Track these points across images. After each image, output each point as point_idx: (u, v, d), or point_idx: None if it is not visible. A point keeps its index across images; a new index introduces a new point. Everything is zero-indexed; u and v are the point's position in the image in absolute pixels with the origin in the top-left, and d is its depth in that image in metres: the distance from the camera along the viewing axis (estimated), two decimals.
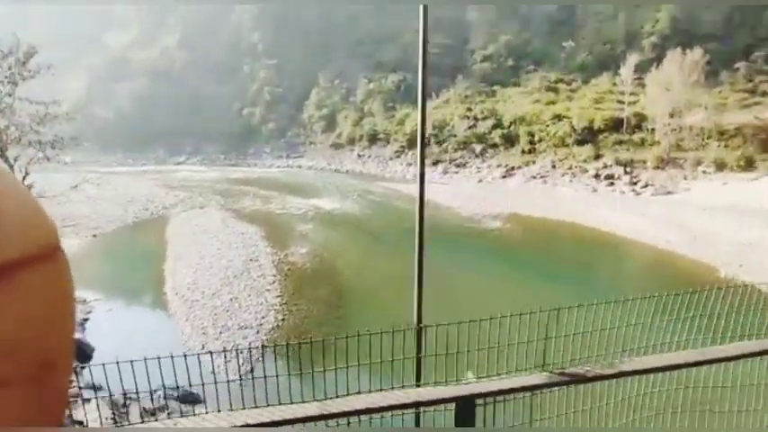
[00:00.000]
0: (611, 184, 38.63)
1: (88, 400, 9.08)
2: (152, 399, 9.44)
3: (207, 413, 3.41)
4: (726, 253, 21.95)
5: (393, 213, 33.08)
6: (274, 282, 19.85)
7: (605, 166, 40.86)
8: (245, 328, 15.59)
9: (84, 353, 14.16)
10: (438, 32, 69.12)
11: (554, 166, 43.68)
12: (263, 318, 16.36)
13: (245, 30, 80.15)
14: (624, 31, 60.06)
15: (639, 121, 43.63)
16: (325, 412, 2.57)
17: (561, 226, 28.57)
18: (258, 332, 15.40)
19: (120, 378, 3.33)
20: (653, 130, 41.71)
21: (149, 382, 3.44)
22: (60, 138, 12.10)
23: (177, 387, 10.29)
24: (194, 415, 9.21)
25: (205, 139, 70.90)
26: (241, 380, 3.82)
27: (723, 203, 30.10)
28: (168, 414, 8.99)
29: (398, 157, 56.05)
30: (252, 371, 13.47)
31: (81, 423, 8.21)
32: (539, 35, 66.95)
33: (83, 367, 13.50)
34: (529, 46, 66.06)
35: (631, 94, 45.99)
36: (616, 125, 44.98)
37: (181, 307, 17.24)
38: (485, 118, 52.35)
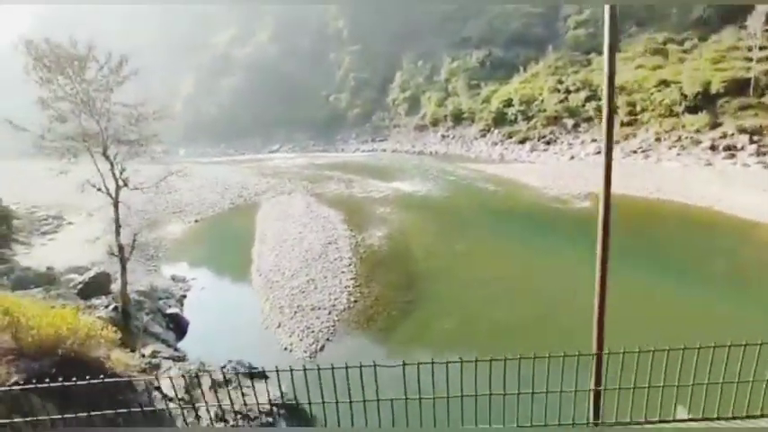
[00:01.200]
0: (732, 156, 33.64)
1: (168, 369, 10.11)
2: (223, 372, 10.22)
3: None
4: None
5: (473, 195, 32.12)
6: (350, 264, 20.34)
7: (724, 136, 35.67)
8: (319, 308, 16.21)
9: (180, 327, 15.79)
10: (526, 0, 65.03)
11: (659, 139, 39.13)
12: (336, 299, 16.88)
13: (330, 18, 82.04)
14: None
15: None
16: None
17: (664, 206, 25.61)
18: (330, 313, 15.93)
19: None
20: None
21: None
22: (146, 136, 13.27)
23: (243, 364, 11.02)
24: (249, 388, 9.53)
25: (296, 127, 74.47)
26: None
27: None
28: (233, 387, 9.70)
29: (483, 136, 54.09)
30: (322, 349, 14.06)
31: (159, 389, 9.16)
32: None
33: (177, 339, 15.01)
34: (631, 6, 59.29)
35: (762, 48, 39.32)
36: (741, 87, 38.86)
37: (263, 287, 18.43)
38: (577, 90, 48.29)
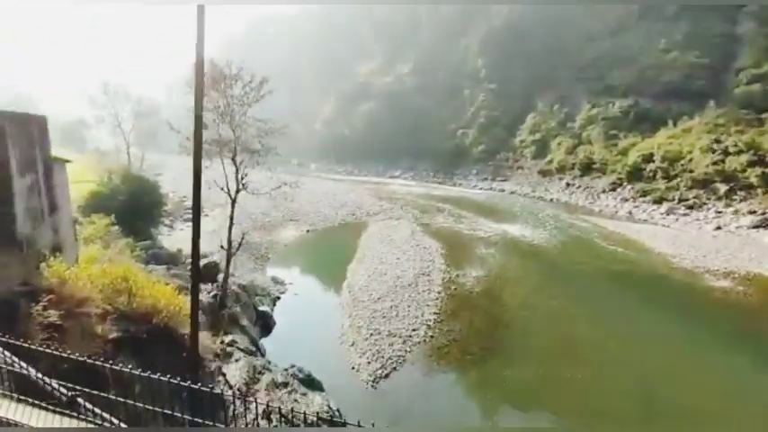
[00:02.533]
0: None
1: (238, 360, 11.03)
2: (283, 374, 10.85)
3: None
4: None
5: (586, 250, 29.64)
6: (437, 299, 20.20)
7: None
8: (394, 335, 16.33)
9: (267, 324, 17.12)
10: (691, 50, 59.32)
11: None
12: (414, 330, 16.86)
13: (471, 55, 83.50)
14: None
15: None
16: None
17: None
18: (404, 342, 15.95)
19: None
20: None
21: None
22: (267, 148, 14.92)
23: (303, 371, 11.53)
24: (302, 395, 9.97)
25: (420, 156, 76.42)
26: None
27: None
28: (287, 391, 10.22)
29: (613, 190, 49.66)
30: (387, 376, 14.10)
31: (224, 375, 10.05)
32: None
33: (261, 335, 16.20)
34: None
35: None
36: None
37: (348, 304, 19.16)
38: (739, 152, 41.96)
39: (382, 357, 14.77)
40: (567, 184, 55.22)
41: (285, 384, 10.01)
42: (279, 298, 19.97)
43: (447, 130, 77.76)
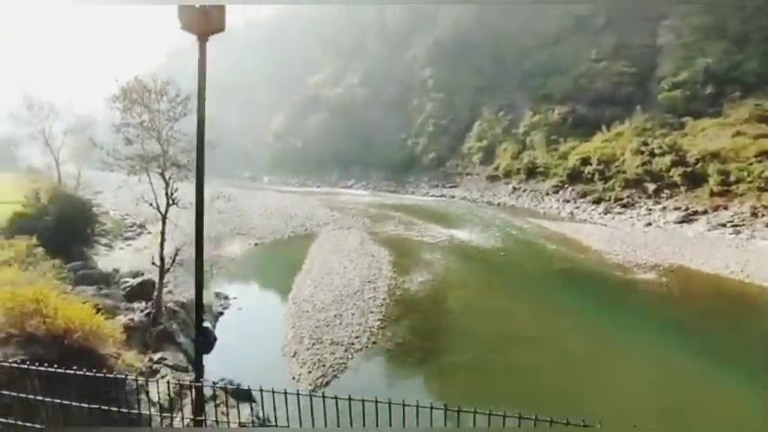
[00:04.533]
0: None
1: (164, 377, 10.81)
2: (213, 388, 10.72)
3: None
4: None
5: (529, 251, 30.92)
6: (382, 305, 20.44)
7: None
8: (337, 344, 16.42)
9: (208, 340, 16.76)
10: (619, 60, 63.45)
11: (755, 214, 35.11)
12: (356, 338, 17.01)
13: (418, 66, 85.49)
14: None
15: None
16: None
17: (742, 288, 22.78)
18: (347, 350, 16.07)
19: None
20: None
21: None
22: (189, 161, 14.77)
23: (233, 383, 11.44)
24: (233, 408, 9.91)
25: (373, 166, 77.07)
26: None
27: None
28: (216, 404, 10.13)
29: (556, 192, 52.05)
30: (327, 384, 14.15)
31: (147, 392, 9.82)
32: (756, 55, 55.54)
33: (203, 354, 15.86)
34: (738, 69, 55.17)
35: None
36: None
37: (293, 315, 19.08)
38: (663, 153, 45.16)
39: (323, 366, 14.83)
40: (514, 189, 57.33)
41: (213, 398, 9.91)
42: (222, 313, 19.60)
43: (398, 139, 78.95)
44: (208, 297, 21.01)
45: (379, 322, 18.57)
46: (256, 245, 32.05)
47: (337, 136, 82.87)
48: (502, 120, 70.05)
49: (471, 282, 24.85)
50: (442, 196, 60.74)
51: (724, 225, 35.25)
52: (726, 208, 37.63)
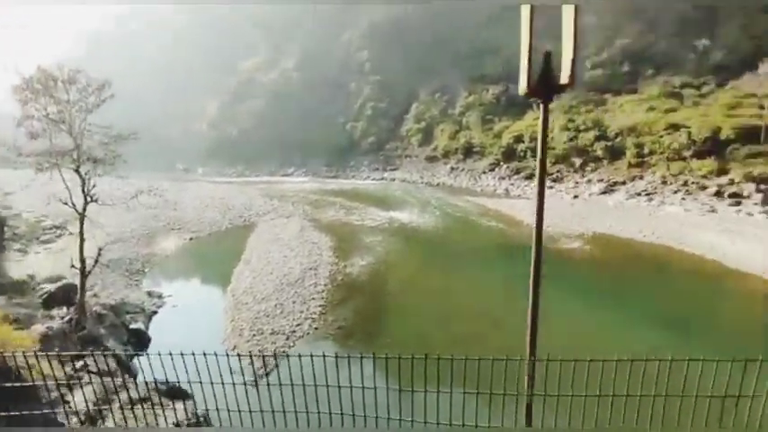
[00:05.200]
0: (737, 203, 32.71)
1: (88, 384, 10.36)
2: (138, 389, 10.45)
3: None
4: None
5: (467, 229, 32.04)
6: (323, 291, 20.51)
7: (731, 183, 34.80)
8: (278, 333, 16.35)
9: (142, 342, 16.14)
10: (547, 40, 65.81)
11: (665, 182, 38.41)
12: (298, 325, 17.01)
13: (354, 49, 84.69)
14: None
15: None
16: None
17: (652, 250, 25.00)
18: (288, 338, 16.06)
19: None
20: None
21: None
22: (113, 156, 13.96)
23: (167, 382, 11.20)
24: (170, 408, 9.79)
25: (312, 152, 76.09)
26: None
27: None
28: (150, 405, 9.87)
29: (492, 170, 54.11)
30: (268, 374, 14.12)
31: (68, 403, 9.39)
32: (665, 36, 59.91)
33: (133, 355, 15.30)
34: (651, 49, 59.38)
35: None
36: (751, 134, 38.09)
37: (231, 308, 18.72)
38: (587, 129, 48.09)
39: (264, 357, 14.74)
40: (452, 168, 58.88)
41: (144, 399, 9.63)
42: (156, 312, 18.86)
43: (336, 124, 78.30)
44: (139, 296, 20.16)
45: (320, 308, 18.64)
46: (192, 239, 30.90)
47: (274, 122, 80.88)
48: (439, 101, 71.30)
49: (411, 262, 25.45)
50: (382, 179, 61.21)
51: (639, 194, 38.29)
52: (641, 178, 40.86)
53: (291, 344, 15.72)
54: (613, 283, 20.75)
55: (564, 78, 2.87)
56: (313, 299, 19.51)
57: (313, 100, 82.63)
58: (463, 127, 64.40)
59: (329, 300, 19.59)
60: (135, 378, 12.79)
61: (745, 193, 33.18)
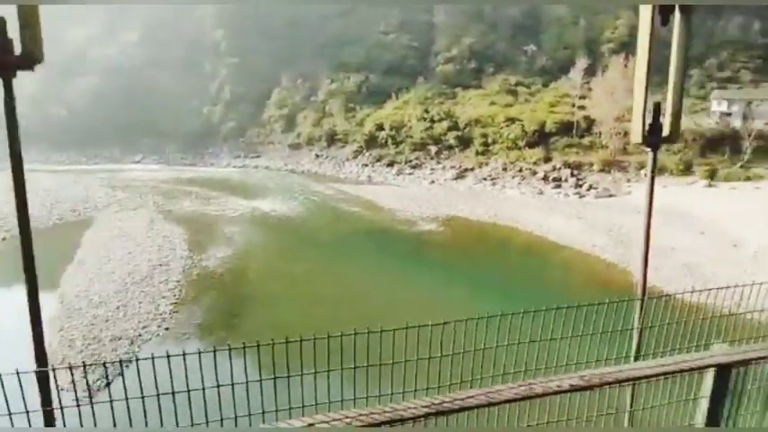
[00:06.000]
0: (558, 186, 38.59)
1: None
2: None
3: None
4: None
5: (330, 216, 32.38)
6: (175, 288, 18.93)
7: (554, 169, 40.90)
8: (120, 338, 14.65)
9: None
10: (404, 34, 69.10)
11: (505, 169, 43.56)
12: (144, 328, 15.46)
13: (207, 27, 78.38)
14: (584, 36, 61.01)
15: (589, 125, 43.86)
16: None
17: (494, 229, 28.26)
18: (132, 343, 14.50)
19: None
20: (600, 133, 41.97)
21: None
22: None
23: None
24: None
25: (164, 137, 68.83)
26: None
27: (658, 207, 30.03)
28: None
29: (355, 157, 55.28)
30: (108, 385, 12.56)
31: None
32: (503, 38, 67.21)
33: None
34: (492, 49, 66.16)
35: (581, 97, 46.39)
36: (567, 128, 45.13)
37: (60, 317, 16.18)
38: (441, 120, 51.98)
39: (103, 366, 13.09)
40: (316, 156, 58.65)
41: None
42: None
43: (191, 107, 71.99)
44: None
45: (172, 306, 17.20)
46: (4, 239, 25.87)
47: (114, 103, 71.10)
48: (301, 87, 70.05)
49: (273, 251, 24.87)
50: (244, 167, 58.38)
51: (485, 179, 42.77)
52: (486, 165, 45.63)
53: (137, 348, 14.23)
54: (462, 259, 22.94)
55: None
56: (164, 297, 17.91)
57: (161, 80, 74.66)
58: (326, 114, 64.40)
59: (183, 297, 18.18)
60: None
61: (563, 178, 39.29)
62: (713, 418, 2.43)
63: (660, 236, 24.30)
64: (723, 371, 2.37)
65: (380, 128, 56.51)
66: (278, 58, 72.98)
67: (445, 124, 51.75)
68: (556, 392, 2.21)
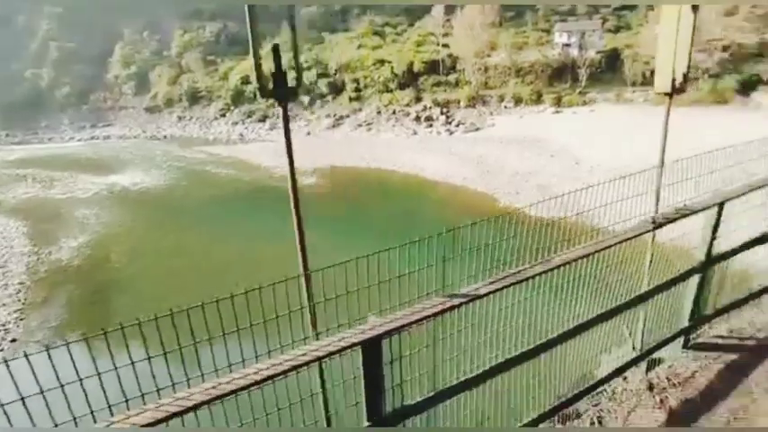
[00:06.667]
0: (430, 125, 40.00)
1: None
2: None
3: None
4: (508, 183, 23.92)
5: (199, 182, 30.04)
6: (19, 291, 16.32)
7: (425, 109, 42.10)
8: None
9: None
10: None
11: (379, 112, 43.80)
12: None
13: None
14: None
15: (453, 63, 45.42)
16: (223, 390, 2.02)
17: (374, 174, 28.64)
18: None
19: None
20: (464, 70, 43.82)
21: None
22: None
23: None
24: None
25: None
26: None
27: (516, 136, 32.95)
28: None
29: (223, 116, 51.33)
30: None
31: None
32: None
33: None
34: None
35: (444, 35, 47.50)
36: (434, 67, 46.28)
37: None
38: (309, 67, 49.90)
39: None
40: (179, 118, 53.30)
41: None
42: None
43: (8, 71, 59.92)
44: None
45: (18, 313, 14.84)
46: None
47: None
48: (148, 41, 61.93)
49: (137, 228, 22.46)
50: (92, 138, 51.06)
51: (361, 125, 42.69)
52: (361, 110, 45.42)
53: None
54: (342, 208, 22.96)
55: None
56: (4, 304, 15.32)
57: None
58: (184, 70, 58.13)
59: (30, 299, 15.75)
60: None
61: (434, 117, 40.75)
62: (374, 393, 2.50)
63: (521, 162, 26.81)
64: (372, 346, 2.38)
65: (247, 81, 52.63)
66: (115, 7, 62.97)
67: (314, 72, 49.87)
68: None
